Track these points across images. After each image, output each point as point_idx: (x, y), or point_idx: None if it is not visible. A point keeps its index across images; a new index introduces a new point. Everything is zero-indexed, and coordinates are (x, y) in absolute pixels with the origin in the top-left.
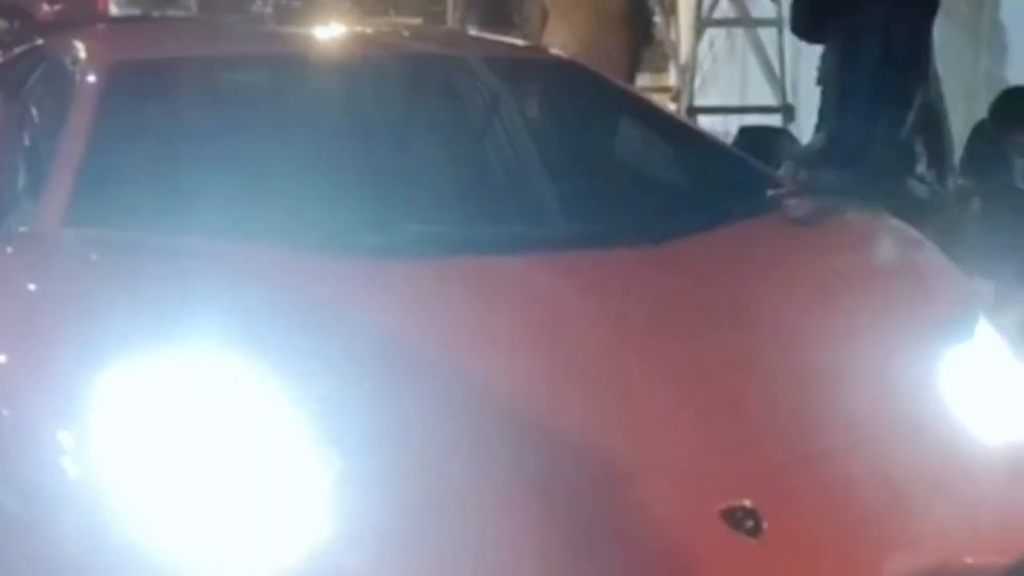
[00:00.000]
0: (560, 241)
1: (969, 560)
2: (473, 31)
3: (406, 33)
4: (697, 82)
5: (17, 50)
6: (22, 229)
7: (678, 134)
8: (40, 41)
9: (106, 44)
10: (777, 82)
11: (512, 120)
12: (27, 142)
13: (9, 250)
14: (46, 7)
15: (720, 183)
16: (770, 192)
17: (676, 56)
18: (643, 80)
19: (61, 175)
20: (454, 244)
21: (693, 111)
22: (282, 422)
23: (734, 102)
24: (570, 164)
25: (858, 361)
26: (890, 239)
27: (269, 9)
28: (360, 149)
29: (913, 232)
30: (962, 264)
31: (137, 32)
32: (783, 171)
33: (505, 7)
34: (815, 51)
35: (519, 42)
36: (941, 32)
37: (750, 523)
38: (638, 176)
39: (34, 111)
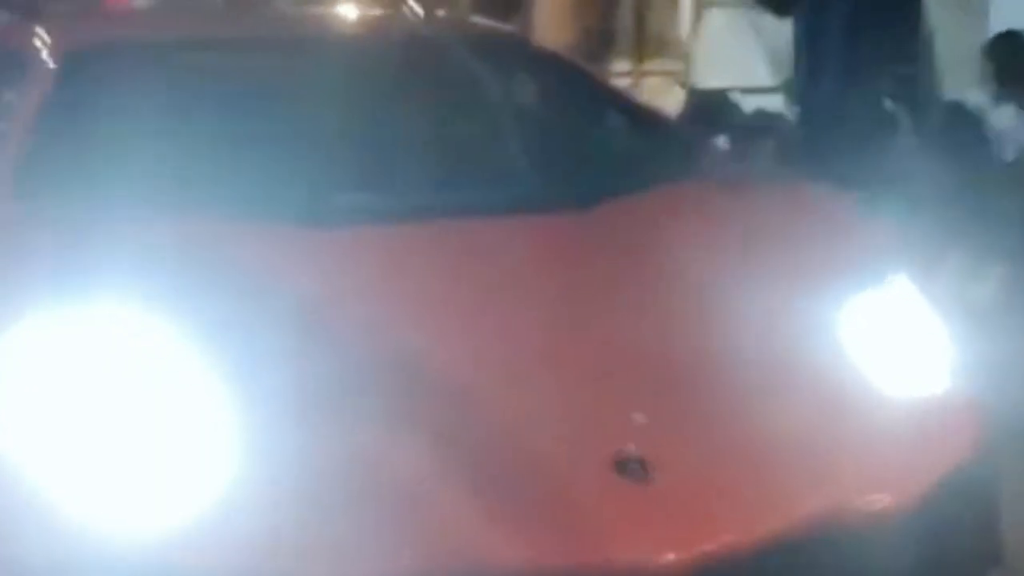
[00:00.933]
0: (486, 207)
1: (861, 502)
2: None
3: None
4: (700, 63)
5: None
6: None
7: (617, 104)
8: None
9: (65, 29)
10: (777, 62)
11: (447, 91)
12: None
13: None
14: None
15: (654, 150)
16: (702, 158)
17: (679, 39)
18: (650, 64)
19: (8, 150)
20: (376, 212)
21: (695, 92)
22: (188, 381)
23: (736, 83)
24: (505, 133)
25: (763, 313)
26: (813, 200)
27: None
28: (294, 125)
29: (838, 194)
30: (932, 236)
31: (108, 18)
32: (767, 149)
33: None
34: None
35: (469, 20)
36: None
37: (637, 469)
38: (574, 144)
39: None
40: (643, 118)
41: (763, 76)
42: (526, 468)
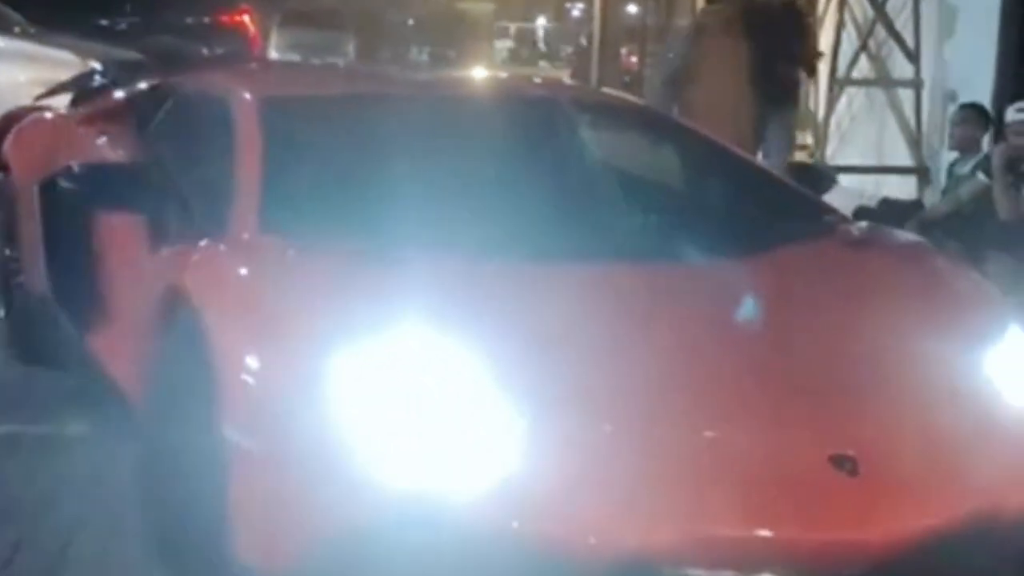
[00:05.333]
0: (673, 253)
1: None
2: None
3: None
4: (835, 141)
5: (141, 86)
6: (227, 236)
7: (744, 170)
8: (164, 79)
9: (253, 80)
10: (914, 143)
11: (598, 157)
12: (187, 165)
13: (223, 248)
14: (205, 51)
15: (781, 211)
16: (825, 219)
17: (814, 115)
18: None
19: (247, 189)
20: (590, 254)
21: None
22: (481, 387)
23: (871, 162)
24: (658, 195)
25: (916, 352)
26: (931, 257)
27: (425, 57)
28: (478, 173)
29: (950, 254)
30: None
31: (276, 71)
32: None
33: None
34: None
35: (605, 90)
36: None
37: (849, 465)
38: (710, 204)
39: (185, 138)
40: (777, 184)
41: (898, 156)
42: (764, 464)
